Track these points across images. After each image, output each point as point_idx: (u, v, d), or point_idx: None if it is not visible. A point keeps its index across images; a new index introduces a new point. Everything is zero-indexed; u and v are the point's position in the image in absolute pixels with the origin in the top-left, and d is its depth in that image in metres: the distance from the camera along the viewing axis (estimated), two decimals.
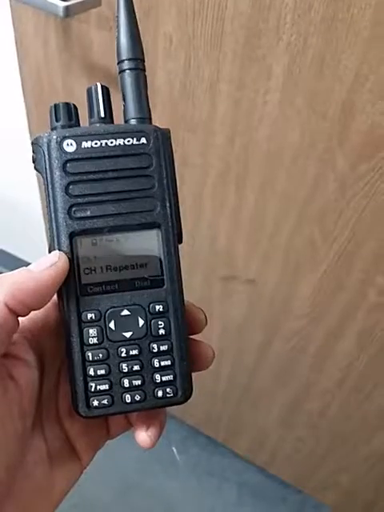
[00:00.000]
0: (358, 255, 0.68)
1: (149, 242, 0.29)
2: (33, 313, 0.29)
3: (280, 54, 0.56)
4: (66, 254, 0.28)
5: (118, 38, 0.30)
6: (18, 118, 1.01)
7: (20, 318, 0.28)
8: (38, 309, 0.27)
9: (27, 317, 0.29)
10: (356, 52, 0.52)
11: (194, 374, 0.31)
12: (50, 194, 0.28)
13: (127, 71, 0.30)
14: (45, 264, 0.27)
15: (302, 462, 1.13)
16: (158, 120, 0.67)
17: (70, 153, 0.28)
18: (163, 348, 0.29)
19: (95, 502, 1.17)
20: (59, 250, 0.28)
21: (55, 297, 0.29)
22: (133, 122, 0.30)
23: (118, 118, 0.31)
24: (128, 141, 0.29)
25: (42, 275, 0.26)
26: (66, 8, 0.59)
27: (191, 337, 0.31)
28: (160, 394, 0.30)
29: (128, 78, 0.30)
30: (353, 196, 0.62)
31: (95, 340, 0.29)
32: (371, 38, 0.51)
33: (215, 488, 1.25)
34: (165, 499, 1.22)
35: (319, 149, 0.61)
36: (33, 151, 0.29)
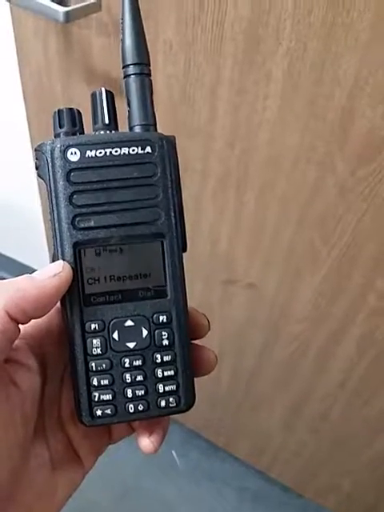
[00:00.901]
0: (358, 259, 0.68)
1: (153, 253, 0.29)
2: None
3: (279, 58, 0.56)
4: (69, 264, 0.28)
5: (122, 42, 0.30)
6: (18, 122, 1.02)
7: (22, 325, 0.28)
8: (39, 318, 0.27)
9: (30, 323, 0.29)
10: (355, 56, 0.52)
11: (194, 378, 0.31)
12: (54, 204, 0.28)
13: (132, 76, 0.29)
14: (48, 273, 0.27)
15: (302, 467, 1.13)
16: (158, 125, 0.67)
17: (73, 162, 0.28)
18: (167, 358, 0.29)
19: (95, 506, 1.17)
20: (63, 260, 0.28)
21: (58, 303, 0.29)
22: (138, 128, 0.30)
23: (122, 123, 0.31)
24: (133, 150, 0.28)
25: (45, 284, 0.26)
26: (66, 13, 0.59)
27: (194, 342, 0.31)
28: (163, 403, 0.30)
29: (133, 83, 0.29)
30: (353, 200, 0.62)
31: (99, 350, 0.29)
32: (370, 42, 0.51)
33: (215, 492, 1.25)
34: (164, 503, 1.22)
35: (319, 153, 0.61)
36: (36, 158, 0.29)
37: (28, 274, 0.27)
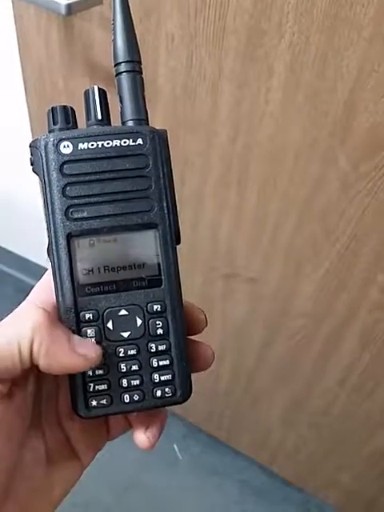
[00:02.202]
0: (360, 254, 0.68)
1: (146, 243, 0.29)
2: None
3: (282, 52, 0.56)
4: (62, 254, 0.28)
5: (114, 41, 0.30)
6: (20, 116, 1.02)
7: None
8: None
9: None
10: (358, 50, 0.52)
11: (192, 372, 0.31)
12: (48, 196, 0.28)
13: (124, 74, 0.30)
14: (85, 349, 0.27)
15: (303, 461, 1.13)
16: (160, 119, 0.67)
17: (66, 154, 0.28)
18: (161, 348, 0.29)
19: (96, 500, 1.17)
20: (57, 250, 0.28)
21: (53, 295, 0.29)
22: (130, 123, 0.30)
23: (116, 120, 0.31)
24: (124, 142, 0.29)
25: (75, 360, 0.26)
26: (68, 6, 0.59)
27: (191, 337, 0.31)
28: (159, 393, 0.30)
29: (125, 80, 0.30)
30: (355, 194, 0.62)
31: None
32: (373, 36, 0.50)
33: (216, 486, 1.25)
34: (166, 497, 1.22)
35: (321, 147, 0.61)
36: (31, 154, 0.29)
37: (68, 330, 0.27)
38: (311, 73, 0.56)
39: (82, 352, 0.27)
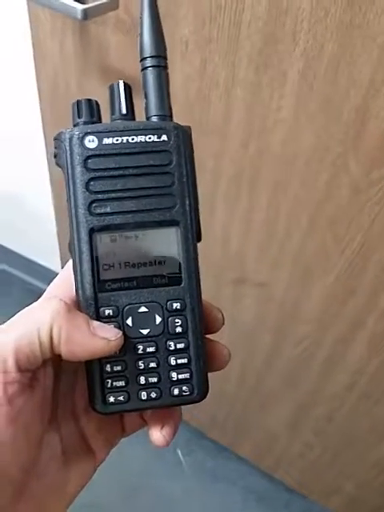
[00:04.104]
0: (369, 261, 0.68)
1: (167, 240, 0.29)
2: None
3: (295, 59, 0.57)
4: (84, 249, 0.28)
5: (140, 36, 0.30)
6: (28, 118, 1.02)
7: None
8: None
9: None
10: (371, 57, 0.52)
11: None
12: (71, 190, 0.28)
13: (150, 68, 0.30)
14: (107, 333, 0.27)
15: (307, 468, 1.13)
16: None
17: (91, 149, 0.28)
18: (180, 346, 0.29)
19: (99, 504, 1.17)
20: (79, 245, 0.28)
21: (73, 290, 0.29)
22: (154, 119, 0.30)
23: (139, 118, 0.31)
24: (149, 138, 0.29)
25: (96, 342, 0.27)
26: (84, 11, 0.60)
27: (207, 336, 0.31)
28: (176, 392, 0.30)
29: (150, 75, 0.30)
30: (366, 201, 0.63)
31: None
32: None
33: (219, 492, 1.25)
34: (169, 502, 1.22)
35: (333, 154, 0.61)
36: (55, 147, 0.29)
37: (87, 317, 0.27)
38: (324, 79, 0.56)
39: (103, 335, 0.27)
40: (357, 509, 1.11)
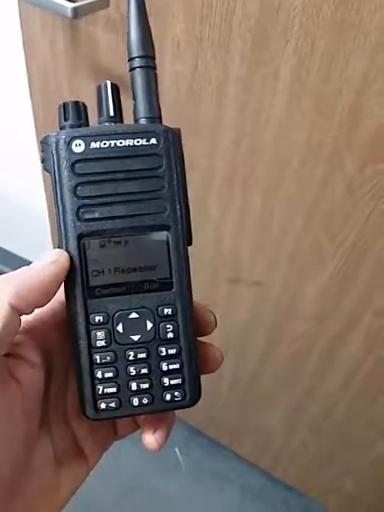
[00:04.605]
0: (364, 258, 0.68)
1: (158, 245, 0.29)
2: (40, 311, 0.29)
3: (288, 56, 0.56)
4: (73, 255, 0.28)
5: (128, 35, 0.29)
6: (18, 116, 1.02)
7: (28, 317, 0.28)
8: (42, 306, 0.27)
9: (35, 316, 0.29)
10: (364, 54, 0.52)
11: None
12: (59, 195, 0.28)
13: (138, 69, 0.29)
14: (45, 260, 0.27)
15: (305, 466, 1.13)
16: (164, 122, 0.66)
17: (78, 153, 0.27)
18: (171, 351, 0.29)
19: (97, 503, 1.17)
20: (67, 251, 0.28)
21: (62, 294, 0.29)
22: (143, 121, 0.29)
23: (128, 117, 0.31)
24: (137, 141, 0.28)
25: (44, 270, 0.26)
26: (75, 9, 0.59)
27: (200, 338, 0.31)
28: (168, 397, 0.29)
29: (138, 75, 0.29)
30: (360, 198, 0.62)
31: (103, 343, 0.28)
32: (379, 41, 0.51)
33: (218, 490, 1.25)
34: (167, 501, 1.22)
35: (326, 151, 0.61)
36: (41, 150, 0.29)
37: (26, 266, 0.27)
38: (317, 77, 0.56)
39: (45, 263, 0.27)
40: (355, 506, 1.11)
